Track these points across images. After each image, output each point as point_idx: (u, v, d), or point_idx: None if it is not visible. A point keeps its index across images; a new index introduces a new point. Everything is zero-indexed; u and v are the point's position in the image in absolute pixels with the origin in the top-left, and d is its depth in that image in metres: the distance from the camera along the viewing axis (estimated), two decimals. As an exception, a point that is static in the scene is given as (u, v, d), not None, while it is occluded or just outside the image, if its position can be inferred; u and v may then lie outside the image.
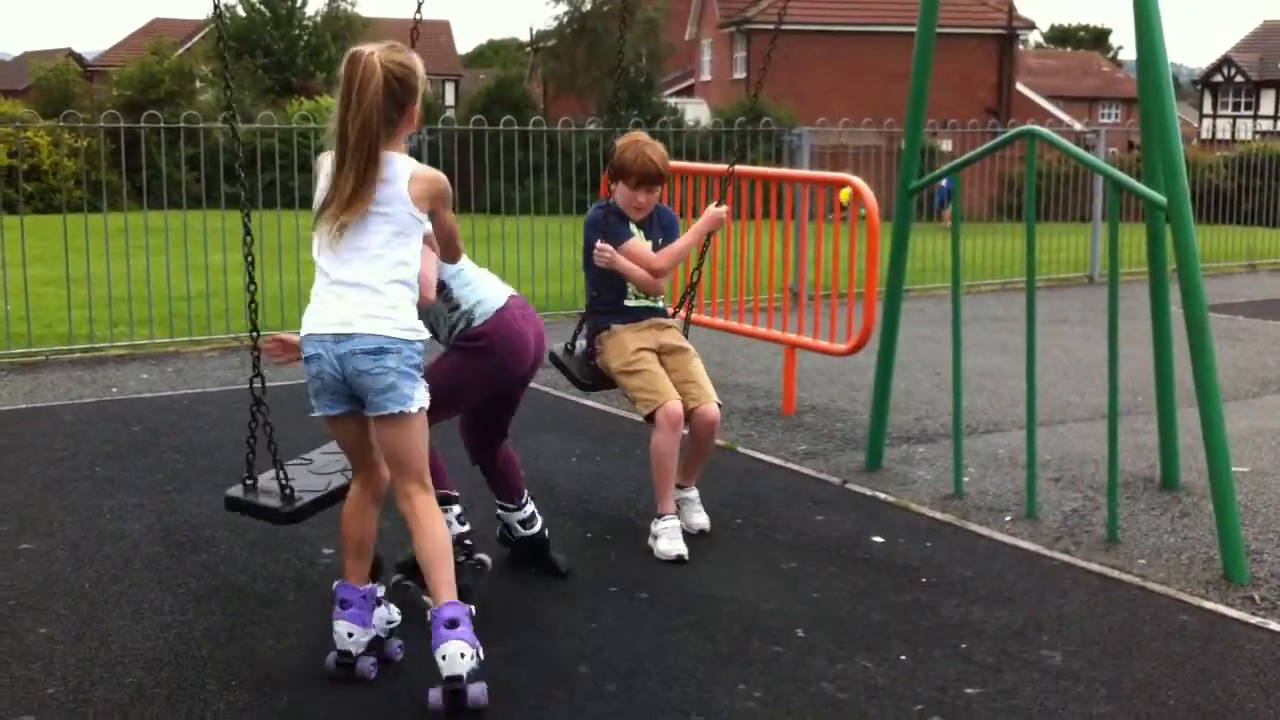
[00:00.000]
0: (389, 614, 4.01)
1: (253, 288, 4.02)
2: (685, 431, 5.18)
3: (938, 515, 5.59)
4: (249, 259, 4.00)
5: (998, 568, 4.93)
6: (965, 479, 6.03)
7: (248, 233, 3.99)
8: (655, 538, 5.08)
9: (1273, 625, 4.40)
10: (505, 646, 4.13)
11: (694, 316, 8.55)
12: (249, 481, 4.05)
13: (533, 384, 8.35)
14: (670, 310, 5.60)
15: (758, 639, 4.21)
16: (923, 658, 4.07)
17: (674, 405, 5.06)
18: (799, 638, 4.22)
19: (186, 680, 3.86)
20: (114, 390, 8.33)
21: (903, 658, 4.07)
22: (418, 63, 3.73)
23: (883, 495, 5.88)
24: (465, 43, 57.24)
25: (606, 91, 38.08)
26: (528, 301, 4.49)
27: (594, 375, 5.42)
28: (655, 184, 5.29)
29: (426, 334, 3.77)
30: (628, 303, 5.35)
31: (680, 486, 5.31)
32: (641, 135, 5.37)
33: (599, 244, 5.22)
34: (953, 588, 4.68)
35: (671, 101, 40.56)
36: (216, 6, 3.94)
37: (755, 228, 8.15)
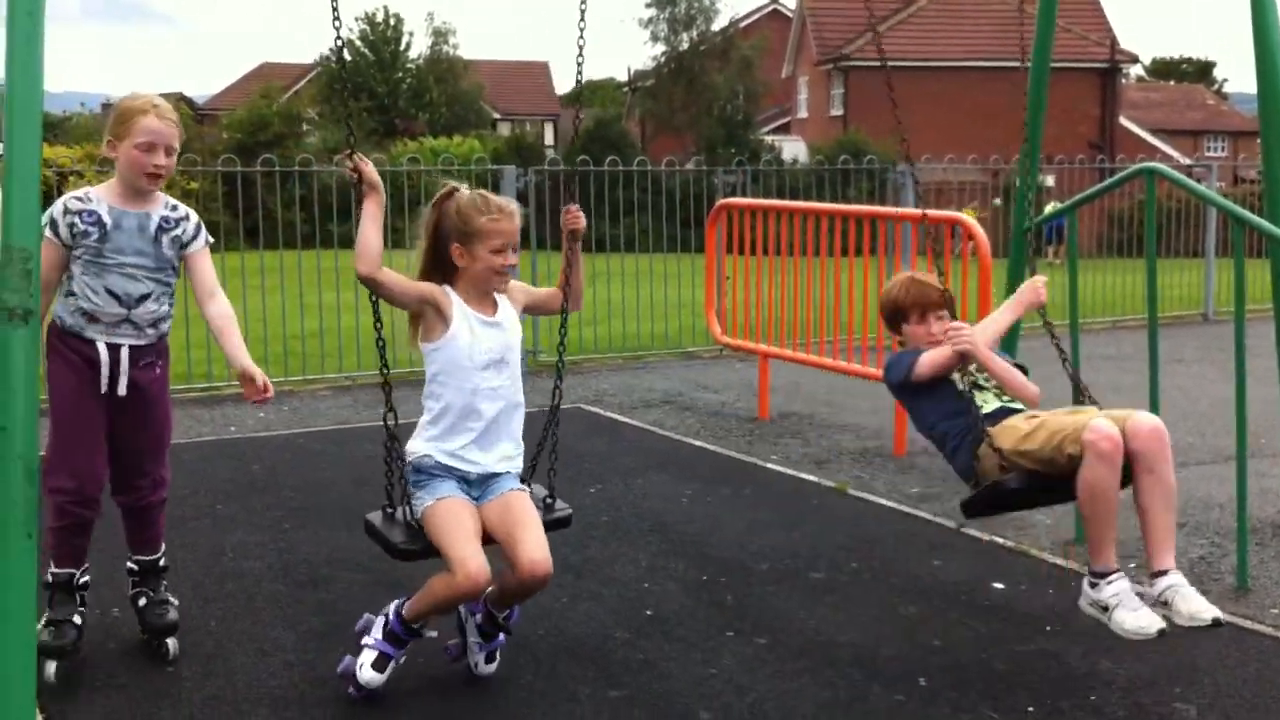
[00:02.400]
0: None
1: (379, 325, 4.07)
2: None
3: (1059, 561, 5.48)
4: (373, 299, 4.05)
5: (1123, 615, 4.80)
6: (1085, 523, 5.90)
7: (363, 278, 4.00)
8: (1106, 609, 3.99)
9: None
10: (624, 690, 4.12)
11: (799, 355, 8.54)
12: (389, 510, 4.09)
13: (643, 424, 8.45)
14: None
15: (879, 686, 4.15)
16: (1050, 709, 3.98)
17: (1103, 426, 4.01)
18: (921, 686, 4.16)
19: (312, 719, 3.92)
20: (232, 429, 8.50)
21: (1030, 709, 3.98)
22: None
23: (1000, 540, 5.78)
24: (564, 83, 57.74)
25: (703, 130, 38.29)
26: None
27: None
28: (938, 307, 4.63)
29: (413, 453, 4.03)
30: (985, 410, 4.41)
31: (1160, 573, 3.99)
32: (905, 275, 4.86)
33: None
34: (1078, 637, 4.57)
35: (769, 139, 40.59)
36: (340, 49, 3.99)
37: (864, 265, 8.11)
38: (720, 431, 8.23)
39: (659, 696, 4.08)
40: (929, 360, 4.44)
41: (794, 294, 8.54)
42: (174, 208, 4.29)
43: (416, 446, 4.03)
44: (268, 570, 5.36)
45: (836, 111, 41.37)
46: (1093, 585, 4.05)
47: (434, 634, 4.12)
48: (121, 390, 4.15)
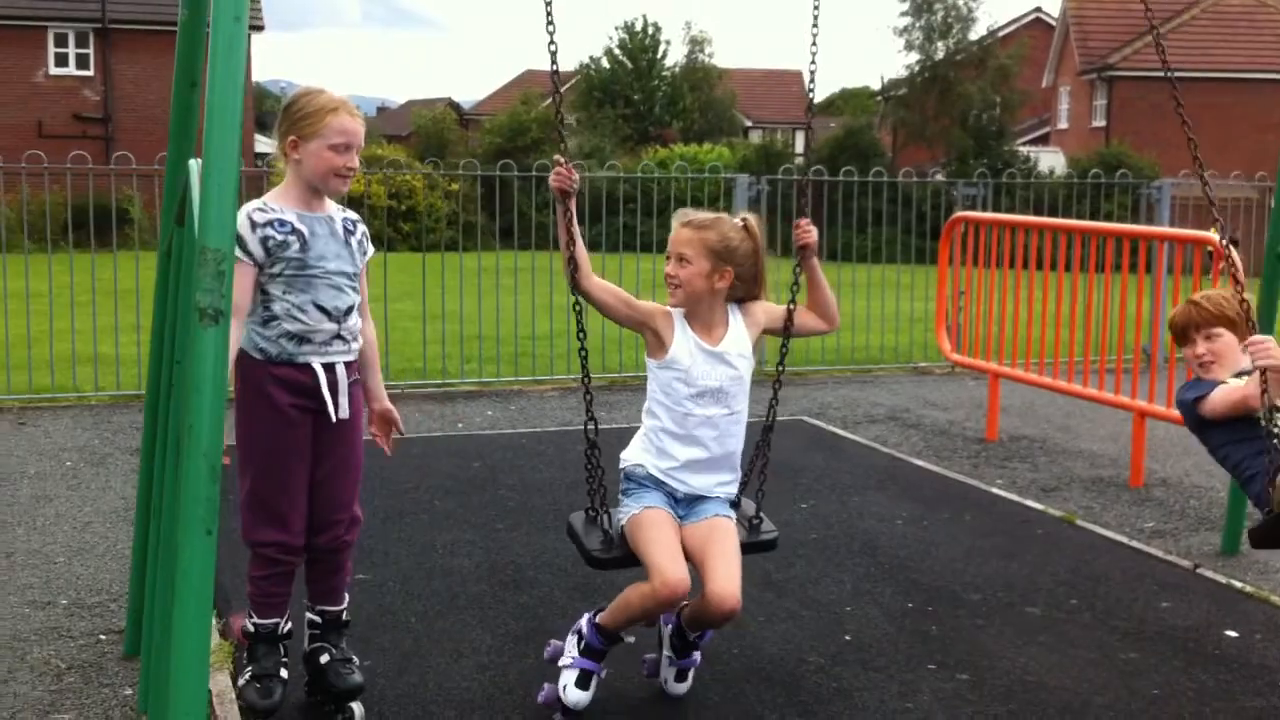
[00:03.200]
0: None
1: (583, 335, 3.92)
2: None
3: (1302, 611, 5.05)
4: (577, 308, 3.92)
5: (1372, 677, 4.39)
6: (1337, 572, 5.45)
7: (574, 286, 3.90)
8: None
9: None
10: (813, 719, 3.99)
11: (1029, 375, 8.17)
12: (591, 514, 4.00)
13: (865, 440, 8.25)
14: None
15: (1087, 735, 3.90)
16: (1277, 775, 3.66)
17: None
18: (1134, 738, 3.88)
19: (497, 724, 3.93)
20: (460, 425, 8.70)
21: (1253, 772, 3.67)
22: None
23: (1239, 584, 5.37)
24: (817, 92, 56.99)
25: (955, 140, 37.41)
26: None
27: None
28: (1208, 326, 4.20)
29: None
30: None
31: None
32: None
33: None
34: (1317, 696, 4.20)
35: (1024, 150, 39.34)
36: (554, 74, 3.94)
37: (1105, 283, 7.70)
38: (945, 452, 7.96)
39: (849, 728, 3.93)
40: (1217, 401, 4.03)
41: (1030, 311, 8.19)
42: (343, 209, 3.94)
43: (631, 455, 3.99)
44: (474, 569, 5.43)
45: (1099, 123, 39.78)
46: None
47: (631, 640, 4.05)
48: (344, 412, 3.79)
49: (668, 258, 3.93)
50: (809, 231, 4.03)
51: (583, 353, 3.97)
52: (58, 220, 14.23)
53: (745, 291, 4.00)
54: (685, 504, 3.93)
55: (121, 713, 4.03)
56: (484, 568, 5.45)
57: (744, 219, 3.99)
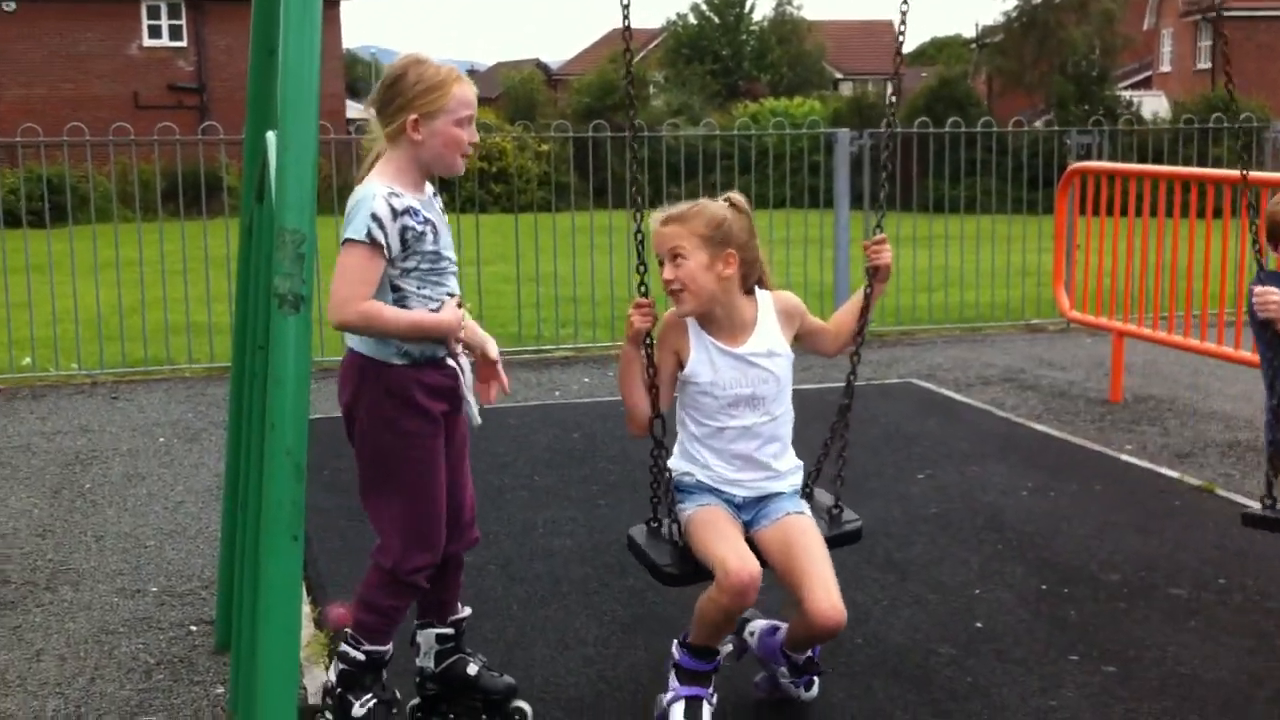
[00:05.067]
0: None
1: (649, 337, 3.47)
2: None
3: None
4: (640, 268, 3.49)
5: None
6: None
7: (640, 249, 3.56)
8: None
9: None
10: (949, 719, 3.68)
11: (1153, 333, 7.71)
12: (654, 524, 3.63)
13: (980, 403, 7.86)
14: None
15: (1254, 736, 3.54)
16: None
17: None
18: (1307, 739, 3.53)
19: (606, 725, 3.67)
20: (557, 394, 8.45)
21: None
22: None
23: (1405, 560, 4.95)
24: (907, 42, 55.93)
25: (1055, 86, 36.39)
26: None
27: None
28: None
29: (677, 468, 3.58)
30: None
31: None
32: None
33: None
34: None
35: (1126, 95, 38.16)
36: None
37: (1241, 230, 7.19)
38: (1066, 415, 7.54)
39: (988, 728, 3.62)
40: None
41: (1155, 264, 7.72)
42: None
43: (676, 464, 3.61)
44: (576, 550, 5.18)
45: (1203, 65, 38.45)
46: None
47: (728, 648, 3.70)
48: (477, 418, 3.51)
49: (661, 263, 3.48)
50: (883, 249, 3.61)
51: (648, 339, 3.49)
52: (152, 191, 14.27)
53: (752, 273, 3.55)
54: (748, 508, 3.55)
55: (212, 713, 3.82)
56: (586, 548, 5.20)
57: (728, 197, 3.56)
